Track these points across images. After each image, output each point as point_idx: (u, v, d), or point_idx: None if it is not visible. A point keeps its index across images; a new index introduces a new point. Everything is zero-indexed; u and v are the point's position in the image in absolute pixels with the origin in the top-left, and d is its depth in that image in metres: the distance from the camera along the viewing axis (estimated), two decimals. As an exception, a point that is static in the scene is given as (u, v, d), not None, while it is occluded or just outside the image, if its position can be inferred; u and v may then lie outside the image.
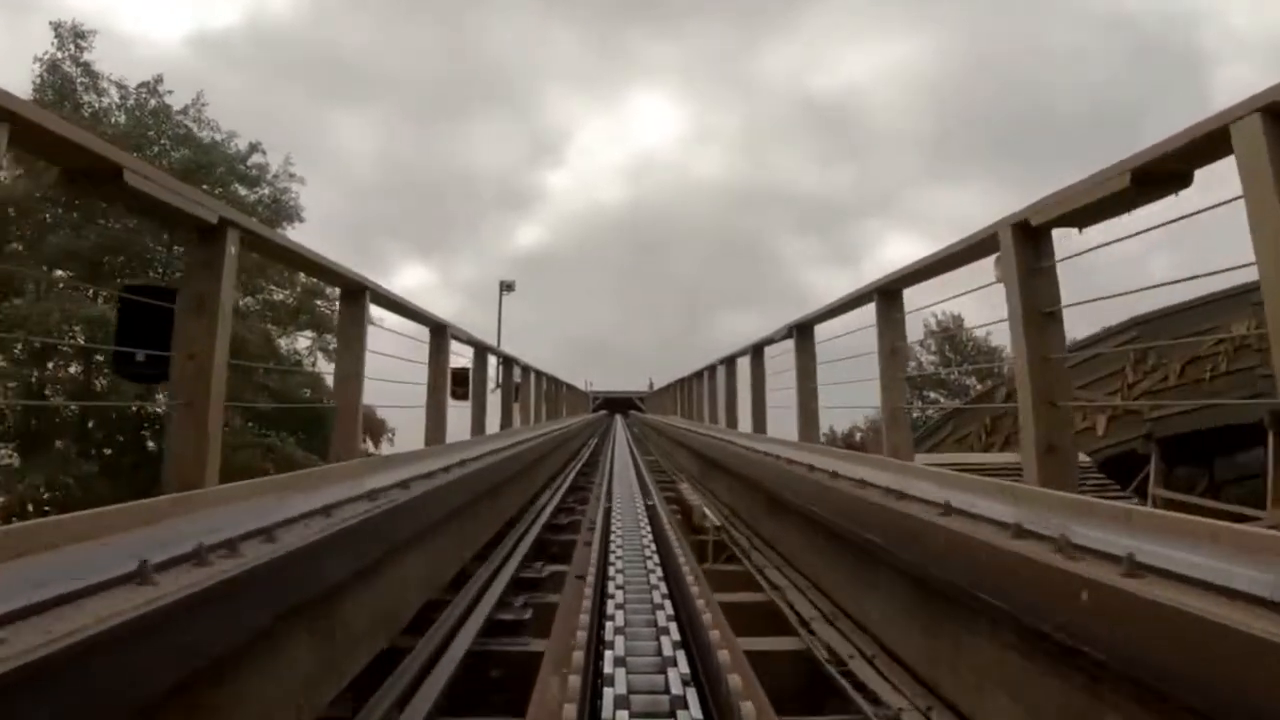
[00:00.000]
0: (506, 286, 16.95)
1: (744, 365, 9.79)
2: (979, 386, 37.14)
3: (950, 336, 34.81)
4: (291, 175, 19.76)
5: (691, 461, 9.78)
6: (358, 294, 4.33)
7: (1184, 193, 2.28)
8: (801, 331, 6.33)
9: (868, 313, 5.51)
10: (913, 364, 38.13)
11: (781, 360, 8.00)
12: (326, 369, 19.85)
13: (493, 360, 9.49)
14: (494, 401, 10.26)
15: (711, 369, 11.98)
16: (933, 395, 37.94)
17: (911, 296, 4.41)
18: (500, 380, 10.06)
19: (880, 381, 4.29)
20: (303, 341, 17.97)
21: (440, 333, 6.26)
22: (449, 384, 6.26)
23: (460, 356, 8.20)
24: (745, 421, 9.36)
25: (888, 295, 4.35)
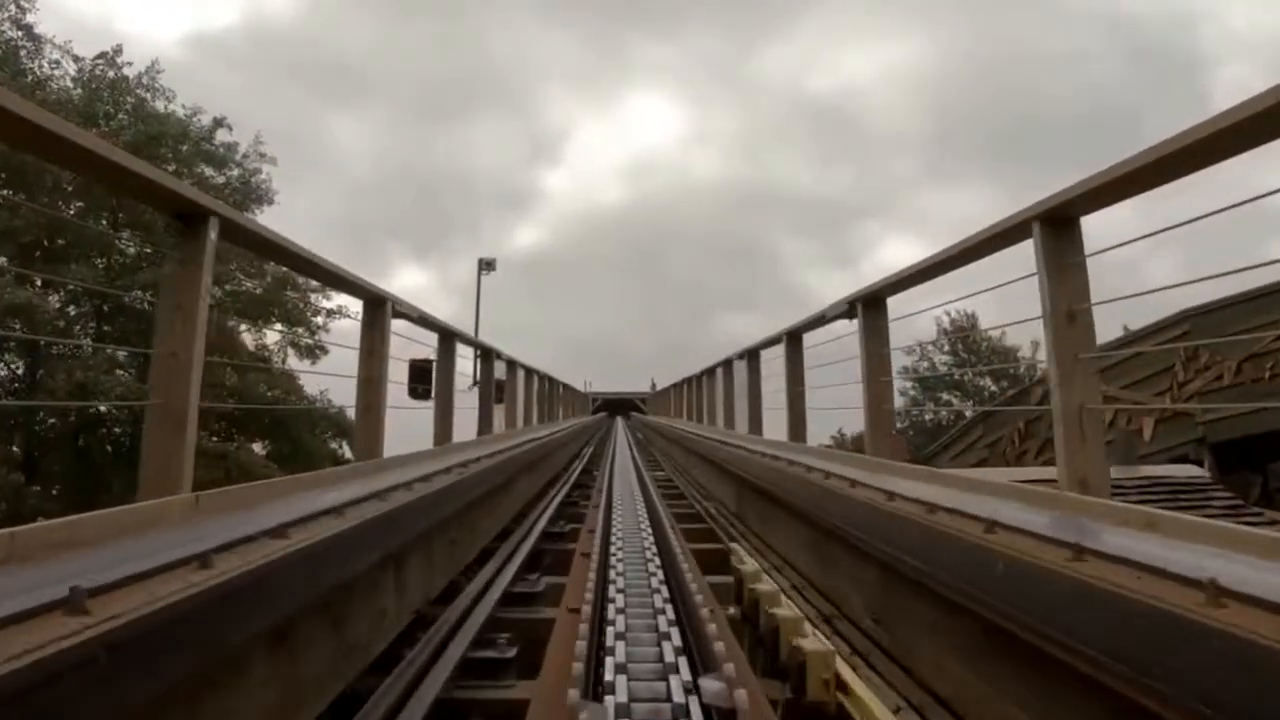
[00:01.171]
0: (486, 265, 14.35)
1: (770, 358, 8.23)
2: (994, 388, 35.47)
3: (964, 335, 33.10)
4: (261, 155, 18.03)
5: (720, 483, 7.76)
6: (195, 222, 2.63)
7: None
8: (869, 306, 4.66)
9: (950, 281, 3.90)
10: (925, 364, 36.56)
11: (813, 353, 6.41)
12: (297, 367, 18.12)
13: (468, 353, 7.83)
14: (466, 400, 8.62)
15: (727, 364, 10.33)
16: (945, 397, 36.38)
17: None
18: (478, 377, 8.40)
19: (1052, 366, 2.58)
20: (271, 336, 16.26)
21: (377, 308, 4.56)
22: (388, 379, 4.58)
23: (424, 346, 6.55)
24: (774, 427, 7.77)
25: (1059, 226, 2.65)
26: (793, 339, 6.58)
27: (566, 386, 19.14)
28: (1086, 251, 2.65)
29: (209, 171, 18.29)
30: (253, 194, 17.65)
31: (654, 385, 32.62)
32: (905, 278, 4.21)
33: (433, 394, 6.38)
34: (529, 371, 12.02)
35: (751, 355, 8.64)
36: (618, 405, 32.05)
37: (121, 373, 13.55)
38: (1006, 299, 3.46)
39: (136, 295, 14.46)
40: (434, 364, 6.42)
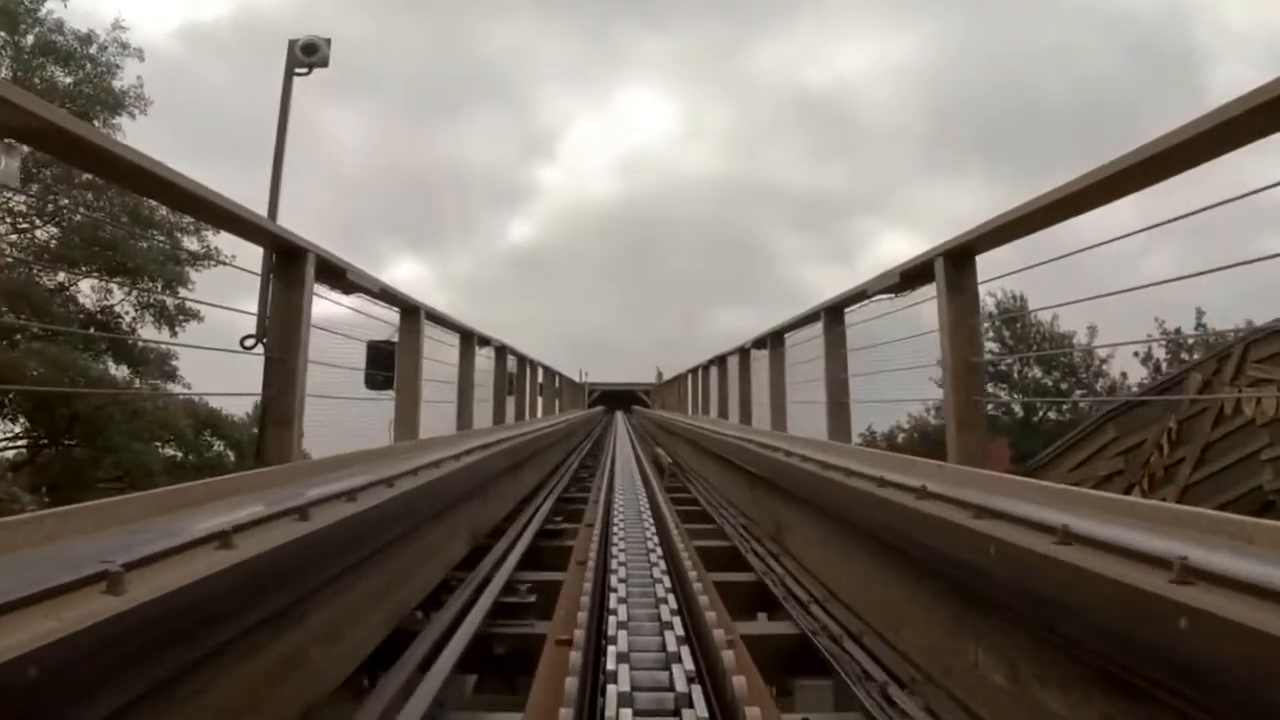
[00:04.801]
0: (304, 51, 7.48)
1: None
2: (1046, 379, 30.37)
3: (1013, 320, 27.99)
4: (124, 46, 13.05)
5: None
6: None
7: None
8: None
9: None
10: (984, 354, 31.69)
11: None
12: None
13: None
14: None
15: (825, 314, 5.36)
16: (990, 389, 31.28)
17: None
18: (267, 317, 3.42)
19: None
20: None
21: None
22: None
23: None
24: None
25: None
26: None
27: (547, 369, 14.13)
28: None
29: (59, 74, 13.35)
30: (106, 99, 12.65)
31: (660, 375, 27.85)
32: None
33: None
34: (467, 334, 6.93)
35: (910, 281, 3.74)
36: (617, 398, 28.67)
37: None
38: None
39: None
40: None
